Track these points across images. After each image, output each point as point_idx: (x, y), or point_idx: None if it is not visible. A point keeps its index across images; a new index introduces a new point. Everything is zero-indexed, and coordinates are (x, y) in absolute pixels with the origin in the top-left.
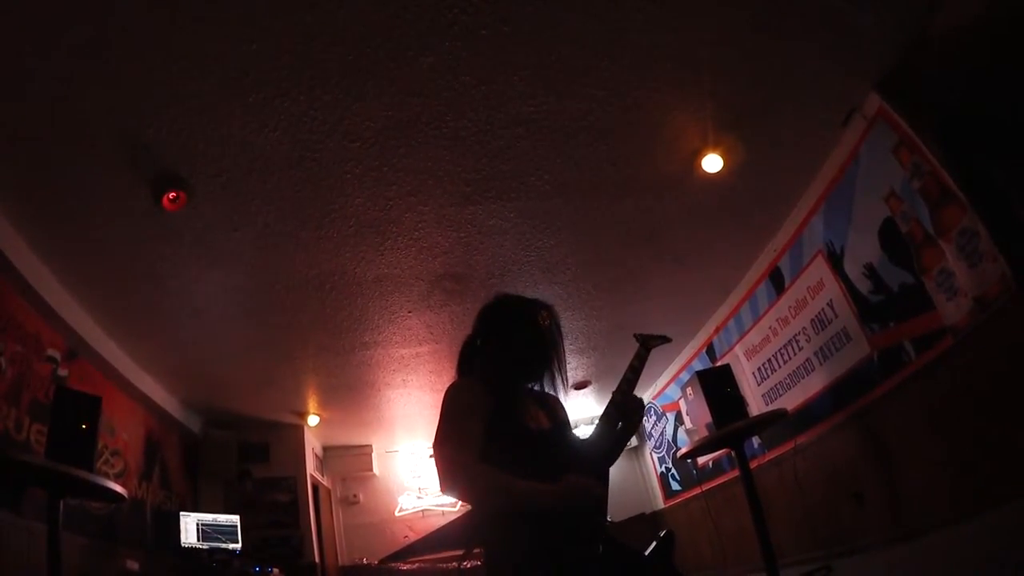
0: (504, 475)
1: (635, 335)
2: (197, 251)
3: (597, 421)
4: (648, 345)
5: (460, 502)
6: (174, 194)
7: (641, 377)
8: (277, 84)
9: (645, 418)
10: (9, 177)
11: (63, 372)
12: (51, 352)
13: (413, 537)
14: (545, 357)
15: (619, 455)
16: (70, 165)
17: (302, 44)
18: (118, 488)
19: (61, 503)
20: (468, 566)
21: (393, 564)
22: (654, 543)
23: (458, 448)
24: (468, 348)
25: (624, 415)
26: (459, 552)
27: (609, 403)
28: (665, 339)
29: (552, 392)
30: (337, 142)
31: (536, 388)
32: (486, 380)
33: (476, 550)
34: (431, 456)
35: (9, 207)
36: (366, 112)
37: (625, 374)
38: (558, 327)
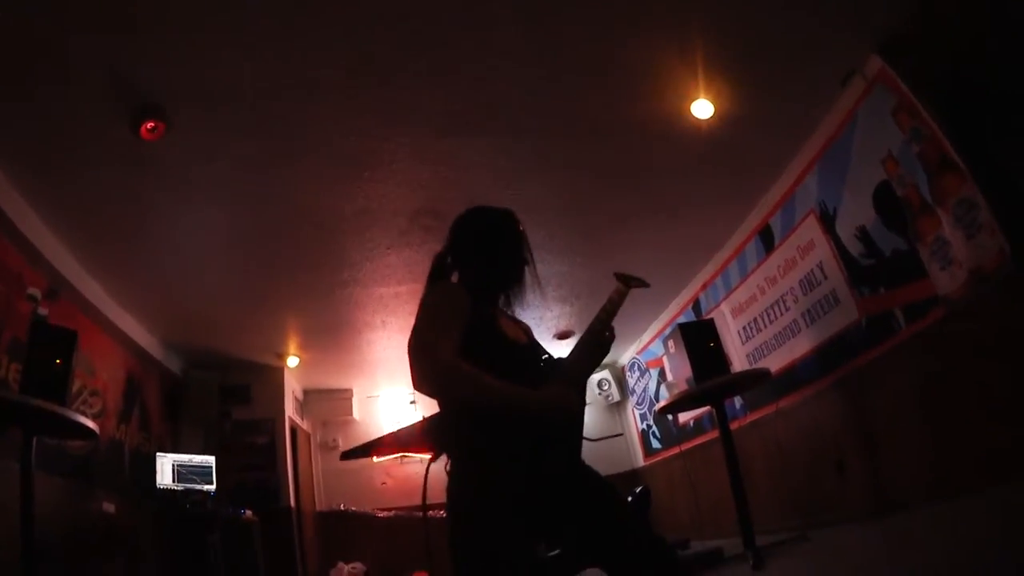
0: (478, 370)
1: (615, 273)
2: (175, 183)
3: (572, 347)
4: (628, 284)
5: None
6: (152, 124)
7: (627, 334)
8: (253, 11)
9: (629, 374)
10: None
11: (43, 311)
12: (32, 291)
13: (391, 483)
14: (523, 263)
15: (591, 372)
16: (48, 98)
17: None
18: (90, 424)
19: (34, 440)
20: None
21: (369, 511)
22: (630, 499)
23: (437, 342)
24: (441, 261)
25: (600, 342)
26: (426, 451)
27: (585, 331)
28: (643, 283)
29: (522, 308)
30: (316, 69)
31: (508, 311)
32: (467, 288)
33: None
34: (408, 353)
35: None
36: (342, 39)
37: (604, 306)
38: (526, 235)
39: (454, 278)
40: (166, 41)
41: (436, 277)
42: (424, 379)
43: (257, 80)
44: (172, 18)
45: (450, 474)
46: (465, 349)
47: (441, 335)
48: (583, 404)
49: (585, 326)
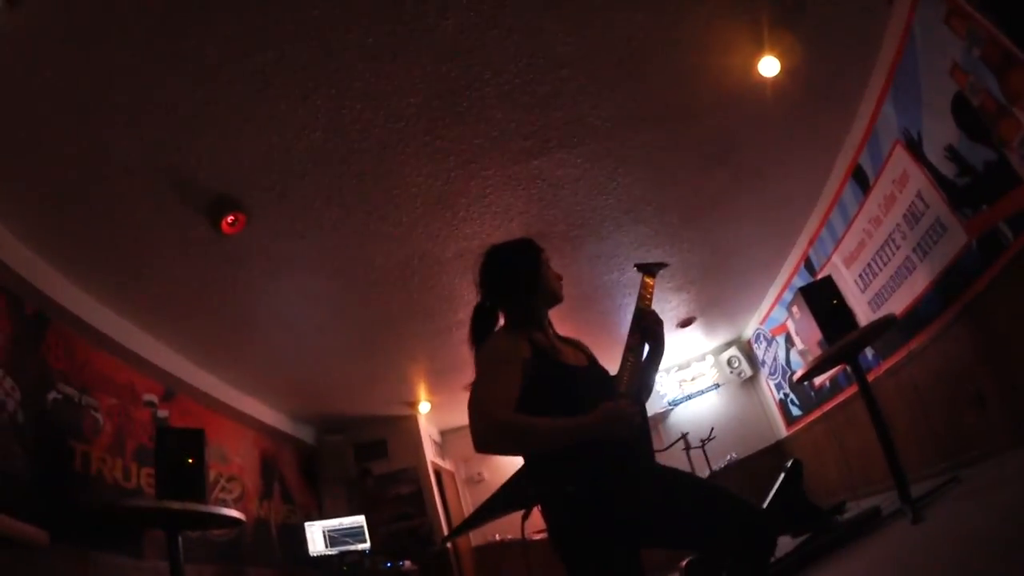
0: (530, 418)
1: (636, 265)
2: (269, 266)
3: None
4: (651, 271)
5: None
6: (232, 217)
7: (745, 306)
8: (302, 84)
9: (755, 345)
10: (73, 242)
11: (163, 413)
12: (148, 397)
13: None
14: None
15: (655, 374)
16: (126, 216)
17: (317, 39)
18: (233, 513)
19: (179, 538)
20: None
21: (523, 536)
22: (782, 474)
23: (490, 402)
24: (481, 311)
25: (648, 334)
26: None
27: (630, 330)
28: (663, 264)
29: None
30: (381, 127)
31: (560, 333)
32: (518, 329)
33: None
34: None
35: (79, 272)
36: (401, 90)
37: (636, 303)
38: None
39: (501, 321)
40: (224, 134)
41: (481, 330)
42: (480, 440)
43: (325, 148)
44: (222, 111)
45: (548, 520)
46: (530, 390)
47: (494, 393)
48: (643, 411)
49: (706, 309)
